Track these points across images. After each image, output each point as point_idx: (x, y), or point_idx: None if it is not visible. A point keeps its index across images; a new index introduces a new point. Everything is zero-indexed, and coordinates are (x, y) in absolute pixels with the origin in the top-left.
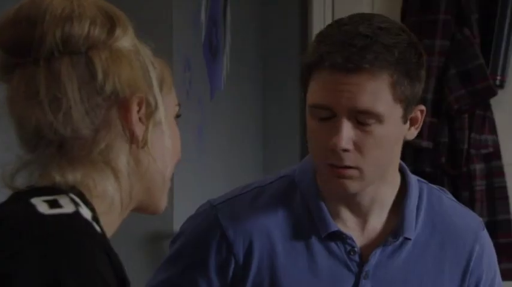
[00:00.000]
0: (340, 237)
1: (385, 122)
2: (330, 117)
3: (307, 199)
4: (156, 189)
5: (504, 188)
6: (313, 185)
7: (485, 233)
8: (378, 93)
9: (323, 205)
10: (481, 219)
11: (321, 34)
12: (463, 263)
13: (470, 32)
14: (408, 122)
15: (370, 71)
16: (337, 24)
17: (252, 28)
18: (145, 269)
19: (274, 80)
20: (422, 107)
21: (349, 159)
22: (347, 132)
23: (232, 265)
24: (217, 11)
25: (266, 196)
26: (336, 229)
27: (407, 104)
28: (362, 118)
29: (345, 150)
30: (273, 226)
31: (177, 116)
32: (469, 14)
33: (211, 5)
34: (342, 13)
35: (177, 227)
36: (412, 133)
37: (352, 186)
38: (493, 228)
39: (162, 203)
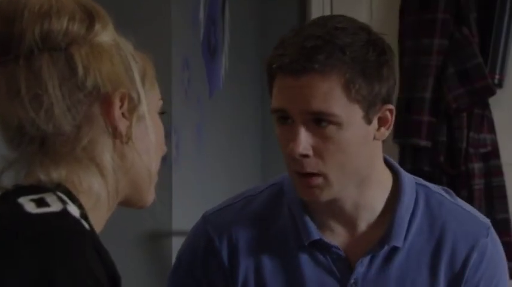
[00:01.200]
0: (324, 246)
1: (344, 125)
2: (289, 122)
3: (292, 209)
4: (142, 183)
5: (502, 187)
6: (297, 194)
7: (488, 241)
8: (330, 94)
9: (305, 214)
10: (487, 224)
11: (280, 39)
12: (458, 269)
13: (469, 31)
14: (376, 123)
15: (320, 71)
16: (296, 29)
17: (251, 27)
18: (144, 268)
19: None
20: (391, 106)
21: (310, 165)
22: (304, 137)
23: (221, 273)
24: (216, 9)
25: (255, 205)
26: (317, 237)
27: (368, 104)
28: (318, 121)
29: (304, 156)
30: (259, 235)
31: (162, 113)
32: (468, 13)
33: (209, 4)
34: (341, 12)
35: (175, 226)
36: (383, 134)
37: (321, 194)
38: None
39: (149, 197)
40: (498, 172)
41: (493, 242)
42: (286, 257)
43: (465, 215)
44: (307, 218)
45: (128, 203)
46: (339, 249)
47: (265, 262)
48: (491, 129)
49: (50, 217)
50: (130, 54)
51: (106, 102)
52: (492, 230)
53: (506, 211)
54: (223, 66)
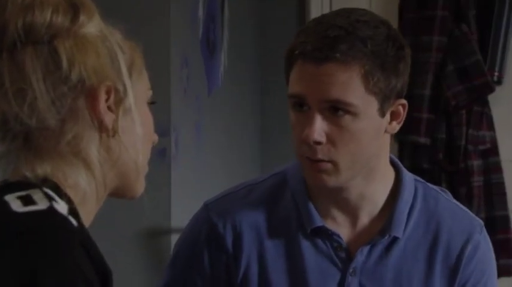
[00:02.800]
0: (326, 233)
1: (360, 115)
2: (305, 109)
3: (296, 196)
4: (130, 175)
5: (502, 184)
6: (302, 182)
7: (481, 237)
8: (349, 83)
9: (310, 201)
10: (481, 223)
11: (302, 27)
12: (453, 263)
13: (468, 28)
14: (388, 116)
15: (341, 61)
16: (318, 18)
17: (250, 24)
18: (143, 265)
19: (272, 76)
20: (404, 101)
21: (322, 152)
22: (319, 124)
23: (224, 259)
24: (215, 7)
25: (257, 193)
26: (320, 224)
27: (384, 97)
28: (335, 110)
29: (318, 143)
30: (262, 221)
31: (151, 103)
32: (467, 10)
33: (209, 1)
34: (340, 7)
35: (174, 223)
36: (394, 127)
37: (329, 180)
38: (491, 224)
39: (138, 187)
40: (497, 168)
41: (486, 240)
42: (288, 243)
43: (460, 212)
44: (311, 206)
45: (118, 194)
46: (340, 237)
47: (267, 248)
48: (491, 127)
49: (36, 216)
50: (117, 45)
51: (91, 96)
52: (485, 230)
53: (506, 208)
54: (222, 64)
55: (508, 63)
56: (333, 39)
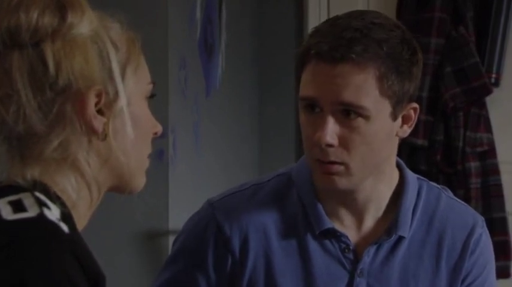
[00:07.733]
0: (334, 235)
1: (372, 118)
2: (316, 111)
3: (303, 197)
4: (123, 176)
5: (499, 186)
6: (309, 183)
7: (482, 231)
8: (363, 86)
9: (318, 202)
10: (482, 218)
11: (315, 28)
12: (458, 256)
13: (466, 30)
14: (400, 120)
15: (357, 62)
16: (332, 19)
17: (247, 26)
18: (140, 267)
19: (270, 77)
20: (415, 105)
21: (334, 154)
22: (331, 126)
23: (229, 261)
24: (213, 9)
25: (263, 193)
26: (330, 226)
27: (397, 101)
28: (347, 113)
29: (330, 145)
30: (268, 223)
31: (151, 96)
32: (465, 12)
33: (206, 3)
34: (337, 11)
35: (172, 225)
36: (405, 131)
37: (340, 182)
38: (488, 226)
39: (135, 185)
40: (495, 170)
41: (487, 234)
42: (296, 245)
43: (462, 207)
44: (320, 207)
45: (116, 191)
46: (348, 239)
47: (274, 249)
48: (488, 128)
49: (25, 225)
50: (110, 42)
51: (79, 101)
52: (485, 225)
53: (503, 209)
54: (220, 66)
55: (505, 65)
56: (348, 41)
